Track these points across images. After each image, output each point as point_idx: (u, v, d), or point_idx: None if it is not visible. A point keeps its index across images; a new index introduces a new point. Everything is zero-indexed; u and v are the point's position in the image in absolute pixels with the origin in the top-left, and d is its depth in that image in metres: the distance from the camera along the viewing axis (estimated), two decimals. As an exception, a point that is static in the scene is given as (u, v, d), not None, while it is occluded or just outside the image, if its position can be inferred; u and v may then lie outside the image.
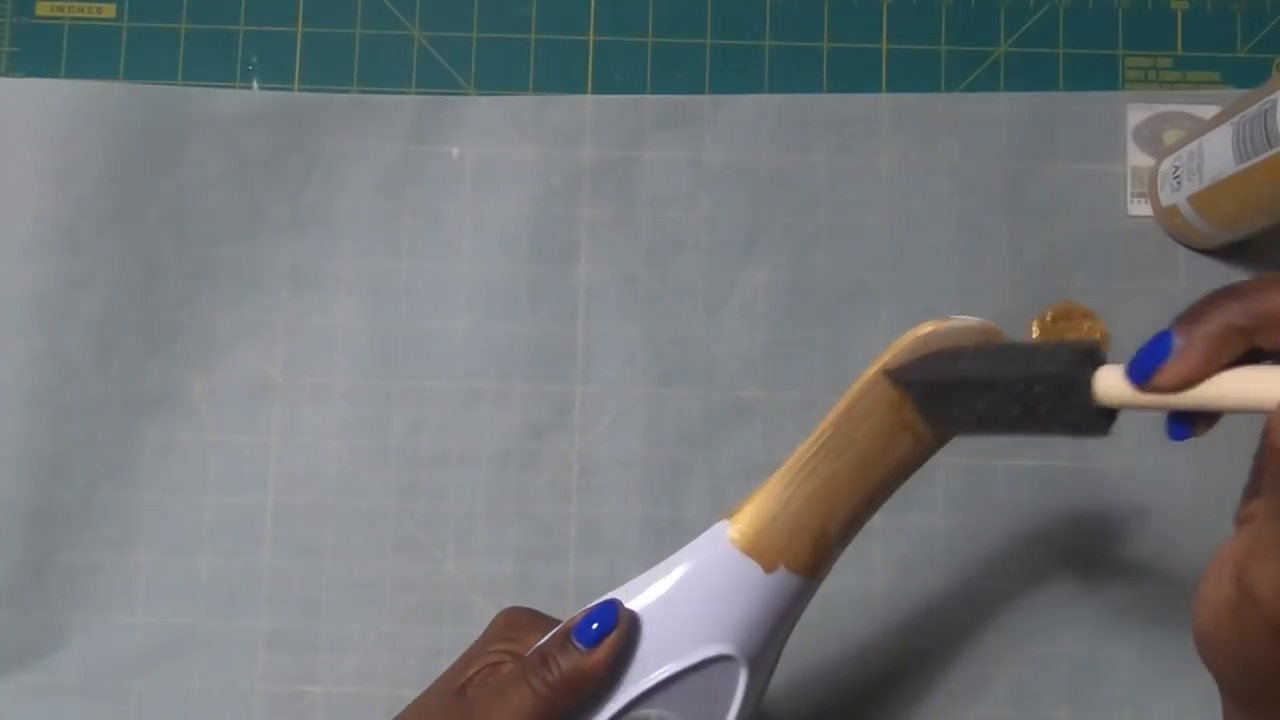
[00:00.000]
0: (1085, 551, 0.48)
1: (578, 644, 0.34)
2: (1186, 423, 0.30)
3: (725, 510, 0.36)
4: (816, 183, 0.49)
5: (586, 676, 0.34)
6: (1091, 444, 0.48)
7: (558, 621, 0.37)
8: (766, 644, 0.36)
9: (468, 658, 0.37)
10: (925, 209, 0.49)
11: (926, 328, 0.35)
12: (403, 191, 0.49)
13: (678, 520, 0.48)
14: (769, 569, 0.35)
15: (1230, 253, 0.49)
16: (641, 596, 0.35)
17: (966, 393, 0.33)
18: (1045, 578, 0.47)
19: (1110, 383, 0.30)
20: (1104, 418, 0.31)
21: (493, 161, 0.49)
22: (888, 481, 0.36)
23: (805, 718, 0.47)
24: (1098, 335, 0.48)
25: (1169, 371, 0.29)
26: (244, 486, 0.48)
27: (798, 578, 0.35)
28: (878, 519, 0.48)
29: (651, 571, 0.36)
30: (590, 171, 0.49)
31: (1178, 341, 0.28)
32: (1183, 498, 0.48)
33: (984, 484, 0.48)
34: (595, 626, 0.34)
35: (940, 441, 0.36)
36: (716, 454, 0.48)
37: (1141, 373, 0.29)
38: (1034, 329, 0.49)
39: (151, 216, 0.48)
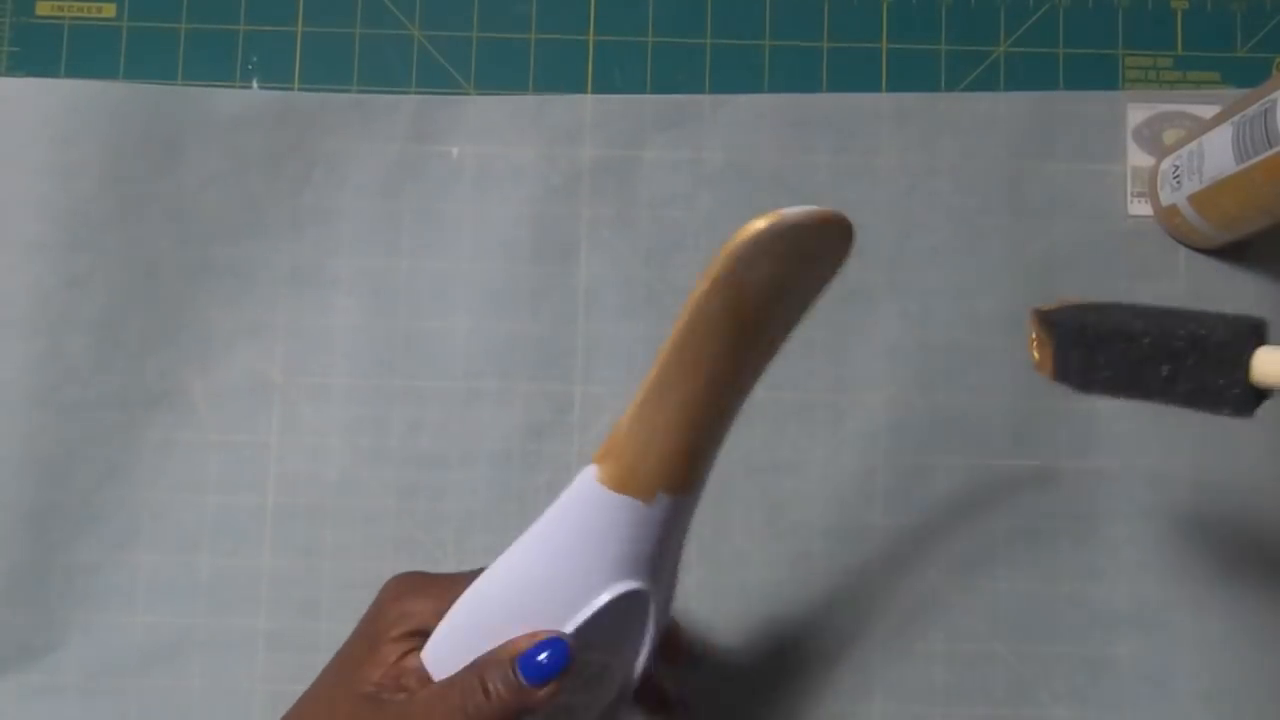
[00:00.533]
0: (1085, 552, 0.48)
1: (522, 677, 0.33)
2: None
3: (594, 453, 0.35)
4: (816, 183, 0.49)
5: (525, 710, 0.33)
6: (1092, 443, 0.48)
7: (450, 579, 0.36)
8: (660, 564, 0.36)
9: (365, 644, 0.35)
10: (925, 209, 0.49)
11: (760, 223, 0.33)
12: (403, 191, 0.49)
13: (678, 520, 0.48)
14: (648, 500, 0.35)
15: (1230, 253, 0.49)
16: (529, 557, 0.35)
17: (1115, 344, 0.31)
18: (1045, 578, 0.47)
19: (1270, 361, 0.29)
20: (1253, 397, 0.30)
21: (493, 161, 0.49)
22: (745, 387, 0.36)
23: (801, 714, 0.47)
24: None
25: None
26: (244, 486, 0.48)
27: (676, 497, 0.35)
28: (878, 518, 0.48)
29: (532, 531, 0.35)
30: (590, 171, 0.49)
31: None
32: (1182, 498, 0.48)
33: (983, 484, 0.48)
34: (544, 659, 0.33)
35: (789, 331, 0.35)
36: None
37: None
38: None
39: (151, 216, 0.48)
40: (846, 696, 0.47)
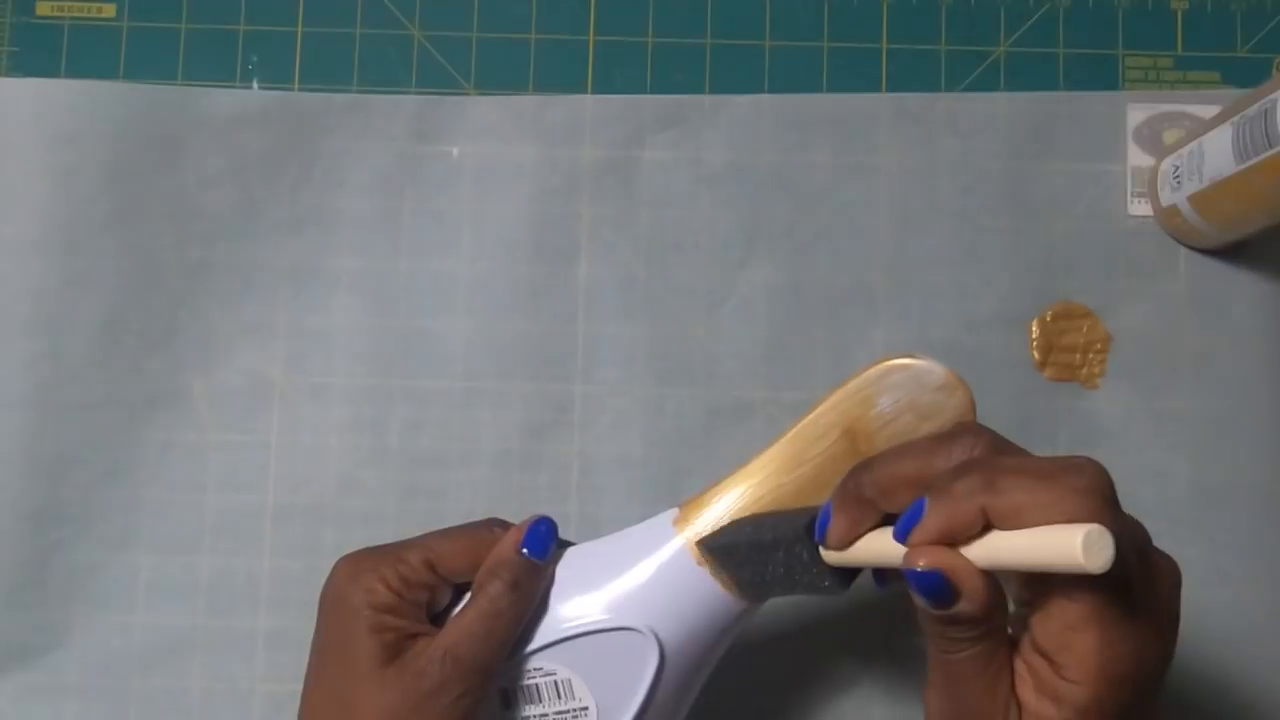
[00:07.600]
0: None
1: (532, 556, 0.37)
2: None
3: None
4: (816, 183, 0.49)
5: (544, 584, 0.37)
6: (1092, 443, 0.48)
7: (393, 549, 0.37)
8: (687, 639, 0.36)
9: (341, 638, 0.36)
10: (925, 209, 0.49)
11: (893, 359, 0.36)
12: (403, 191, 0.49)
13: (678, 520, 0.47)
14: (700, 561, 0.36)
15: (1230, 253, 0.49)
16: (587, 553, 0.38)
17: (751, 556, 0.35)
18: (1045, 578, 0.47)
19: (829, 553, 0.33)
20: (843, 576, 0.34)
21: (493, 161, 0.49)
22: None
23: (801, 714, 0.47)
24: (1097, 335, 0.48)
25: (829, 535, 0.33)
26: (244, 486, 0.48)
27: (716, 574, 0.36)
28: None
29: (605, 538, 0.38)
30: (590, 171, 0.49)
31: (831, 510, 0.33)
32: (1182, 497, 0.48)
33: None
34: (541, 529, 0.37)
35: None
36: (716, 454, 0.48)
37: (820, 532, 0.33)
38: (1034, 329, 0.49)
39: (151, 216, 0.48)
40: (847, 696, 0.47)
